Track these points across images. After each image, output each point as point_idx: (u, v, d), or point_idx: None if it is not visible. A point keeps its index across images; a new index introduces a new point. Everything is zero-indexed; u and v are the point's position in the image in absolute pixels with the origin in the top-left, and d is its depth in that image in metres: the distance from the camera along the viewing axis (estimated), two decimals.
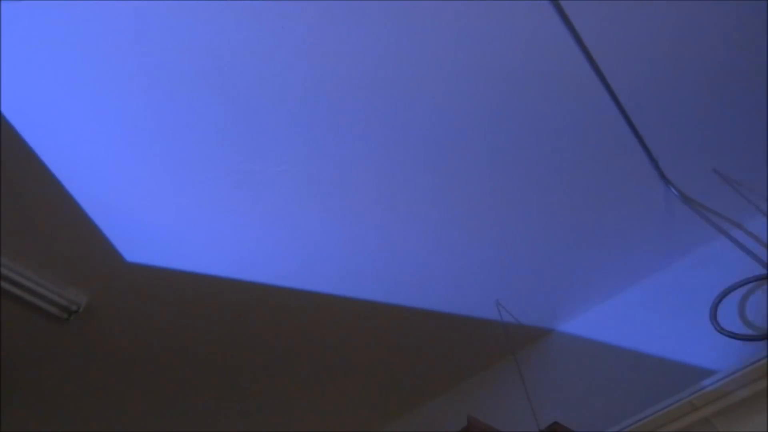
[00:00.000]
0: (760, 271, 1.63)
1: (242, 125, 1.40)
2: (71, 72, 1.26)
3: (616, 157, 1.60)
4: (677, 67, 1.43)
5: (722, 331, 1.58)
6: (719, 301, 1.65)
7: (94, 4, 1.16)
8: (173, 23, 1.21)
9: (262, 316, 1.87)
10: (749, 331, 1.58)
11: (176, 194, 1.52)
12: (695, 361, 1.64)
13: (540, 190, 1.65)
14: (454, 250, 1.76)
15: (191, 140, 1.41)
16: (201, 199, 1.53)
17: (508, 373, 2.09)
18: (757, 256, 1.65)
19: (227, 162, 1.46)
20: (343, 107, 1.40)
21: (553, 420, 1.82)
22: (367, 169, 1.53)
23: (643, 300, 1.90)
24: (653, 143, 1.58)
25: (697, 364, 1.63)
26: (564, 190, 1.65)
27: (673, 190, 1.67)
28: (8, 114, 1.31)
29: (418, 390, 2.23)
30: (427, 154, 1.52)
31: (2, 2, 1.14)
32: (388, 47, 1.31)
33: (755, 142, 1.62)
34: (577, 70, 1.40)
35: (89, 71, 1.26)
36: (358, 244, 1.70)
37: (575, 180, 1.63)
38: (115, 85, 1.29)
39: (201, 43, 1.25)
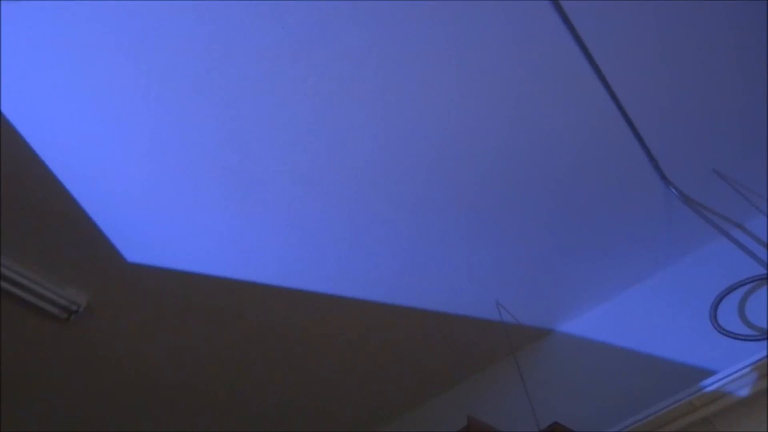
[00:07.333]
0: (760, 271, 1.63)
1: (242, 125, 1.40)
2: (71, 72, 1.26)
3: (616, 158, 1.60)
4: (677, 67, 1.44)
5: (722, 331, 1.58)
6: (719, 301, 1.65)
7: (94, 4, 1.16)
8: (173, 23, 1.21)
9: (262, 316, 1.87)
10: (749, 331, 1.58)
11: (176, 194, 1.52)
12: (695, 361, 1.64)
13: (540, 190, 1.65)
14: (454, 250, 1.76)
15: (191, 140, 1.41)
16: (201, 199, 1.53)
17: (508, 373, 2.09)
18: (757, 256, 1.65)
19: (227, 162, 1.46)
20: (342, 108, 1.40)
21: (553, 420, 1.82)
22: (367, 169, 1.53)
23: (643, 300, 1.90)
24: (653, 143, 1.58)
25: (697, 364, 1.63)
26: (564, 190, 1.66)
27: (673, 190, 1.67)
28: (8, 114, 1.31)
29: (418, 390, 2.23)
30: (426, 154, 1.52)
31: (2, 2, 1.14)
32: (388, 48, 1.31)
33: (755, 142, 1.62)
34: (577, 70, 1.40)
35: (89, 71, 1.26)
36: (358, 244, 1.70)
37: (575, 180, 1.63)
38: (116, 85, 1.29)
39: (201, 43, 1.25)
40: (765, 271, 1.61)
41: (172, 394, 2.11)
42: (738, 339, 1.56)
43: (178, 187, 1.50)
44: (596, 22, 1.32)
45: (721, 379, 1.42)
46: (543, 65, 1.38)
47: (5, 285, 1.58)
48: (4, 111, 1.30)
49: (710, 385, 1.43)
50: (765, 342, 1.51)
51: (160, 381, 2.04)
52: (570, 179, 1.63)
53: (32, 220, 1.52)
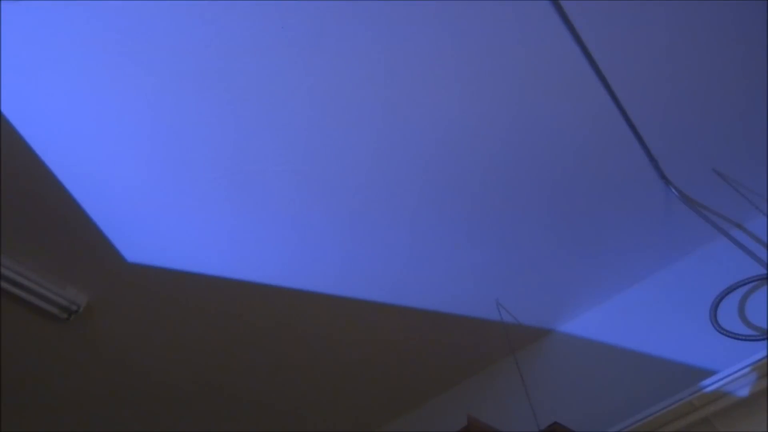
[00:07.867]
0: (760, 271, 1.63)
1: (242, 125, 1.40)
2: (71, 72, 1.26)
3: (616, 158, 1.60)
4: (677, 67, 1.44)
5: (722, 331, 1.58)
6: (719, 301, 1.65)
7: (94, 4, 1.16)
8: (173, 23, 1.21)
9: (261, 316, 1.87)
10: (749, 331, 1.58)
11: (176, 194, 1.52)
12: (695, 361, 1.64)
13: (540, 190, 1.65)
14: (454, 250, 1.76)
15: (191, 140, 1.41)
16: (201, 199, 1.53)
17: (508, 373, 2.09)
18: (757, 256, 1.65)
19: (227, 162, 1.46)
20: (342, 107, 1.40)
21: (553, 420, 1.82)
22: (367, 169, 1.53)
23: (643, 300, 1.90)
24: (653, 143, 1.58)
25: (697, 364, 1.63)
26: (564, 190, 1.66)
27: (673, 190, 1.67)
28: (8, 114, 1.31)
29: (418, 390, 2.23)
30: (426, 154, 1.52)
31: (2, 2, 1.14)
32: (388, 47, 1.31)
33: (755, 142, 1.62)
34: (577, 70, 1.40)
35: (89, 71, 1.26)
36: (358, 244, 1.70)
37: (575, 180, 1.63)
38: (116, 85, 1.29)
39: (201, 43, 1.25)
40: (765, 271, 1.61)
41: (171, 394, 2.11)
42: (738, 339, 1.56)
43: (177, 187, 1.50)
44: (596, 22, 1.32)
45: (721, 379, 1.42)
46: (543, 65, 1.38)
47: (5, 285, 1.58)
48: (4, 111, 1.30)
49: (710, 385, 1.43)
50: (765, 342, 1.51)
51: (160, 381, 2.04)
52: (570, 179, 1.63)
53: (32, 220, 1.52)
